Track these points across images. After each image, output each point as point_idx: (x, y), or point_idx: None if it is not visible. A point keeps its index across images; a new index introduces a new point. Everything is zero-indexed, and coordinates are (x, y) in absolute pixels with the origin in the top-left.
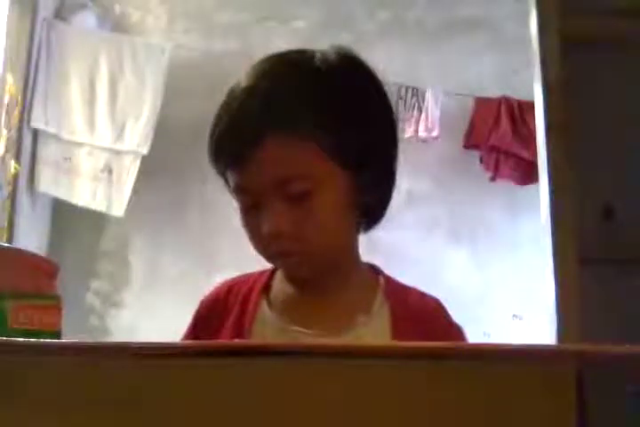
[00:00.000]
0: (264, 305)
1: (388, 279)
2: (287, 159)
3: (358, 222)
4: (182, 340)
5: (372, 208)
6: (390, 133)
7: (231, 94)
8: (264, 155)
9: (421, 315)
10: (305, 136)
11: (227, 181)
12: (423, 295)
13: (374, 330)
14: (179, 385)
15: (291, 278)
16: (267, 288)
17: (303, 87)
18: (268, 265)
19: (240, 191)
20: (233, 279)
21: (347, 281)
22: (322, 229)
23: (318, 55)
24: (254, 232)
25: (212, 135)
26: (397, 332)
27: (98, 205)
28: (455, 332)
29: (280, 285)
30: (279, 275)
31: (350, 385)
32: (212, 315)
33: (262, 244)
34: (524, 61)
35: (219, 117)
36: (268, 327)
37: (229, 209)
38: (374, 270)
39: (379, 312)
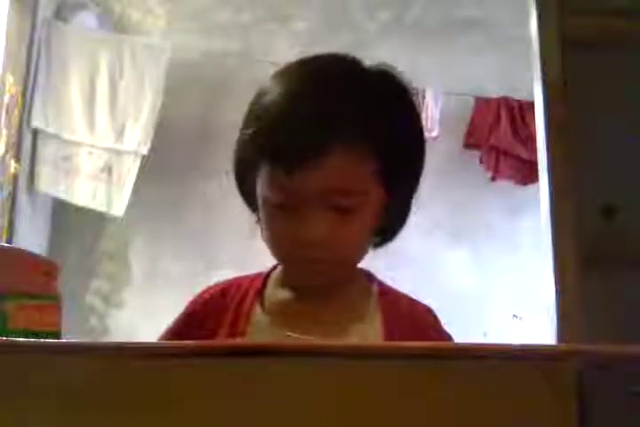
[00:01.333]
0: (258, 310)
1: (381, 287)
2: (349, 173)
3: (375, 239)
4: (166, 335)
5: (393, 227)
6: (424, 161)
7: (282, 92)
8: (329, 163)
9: (413, 324)
10: (369, 154)
11: (242, 178)
12: (415, 303)
13: (366, 338)
14: (179, 385)
15: (290, 283)
16: (261, 292)
17: (369, 104)
18: (267, 265)
19: (280, 190)
20: (227, 281)
21: (342, 289)
22: (352, 244)
23: (370, 72)
24: (283, 233)
25: (260, 130)
26: (389, 339)
27: (98, 204)
28: (447, 339)
29: (274, 289)
30: (273, 279)
31: (350, 385)
32: (205, 316)
33: (288, 246)
34: (524, 61)
35: (269, 114)
36: (261, 332)
37: (230, 209)
38: (368, 277)
39: (371, 319)
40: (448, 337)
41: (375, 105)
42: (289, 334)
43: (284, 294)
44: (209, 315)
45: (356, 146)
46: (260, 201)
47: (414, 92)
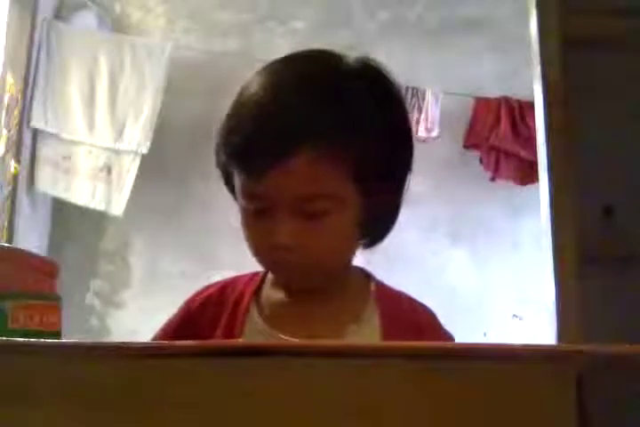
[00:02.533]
0: (254, 311)
1: (379, 285)
2: (317, 177)
3: (361, 239)
4: (161, 334)
5: (379, 229)
6: (409, 162)
7: (253, 96)
8: (295, 169)
9: (412, 323)
10: (337, 156)
11: (227, 177)
12: (414, 302)
13: (364, 338)
14: (178, 385)
15: (283, 286)
16: (257, 293)
17: (338, 107)
18: None
19: (252, 197)
20: (223, 281)
21: (338, 288)
22: (330, 248)
23: (349, 68)
24: (257, 238)
25: (230, 135)
26: (387, 339)
27: (97, 204)
28: (446, 338)
29: (270, 290)
30: (270, 279)
31: (350, 385)
32: (201, 316)
33: (266, 251)
34: (524, 61)
35: (240, 119)
36: (256, 334)
37: (229, 209)
38: (365, 275)
39: (369, 320)
40: (448, 336)
41: (346, 105)
42: (283, 337)
43: (280, 294)
44: (205, 316)
45: (324, 148)
46: (238, 205)
47: (399, 89)
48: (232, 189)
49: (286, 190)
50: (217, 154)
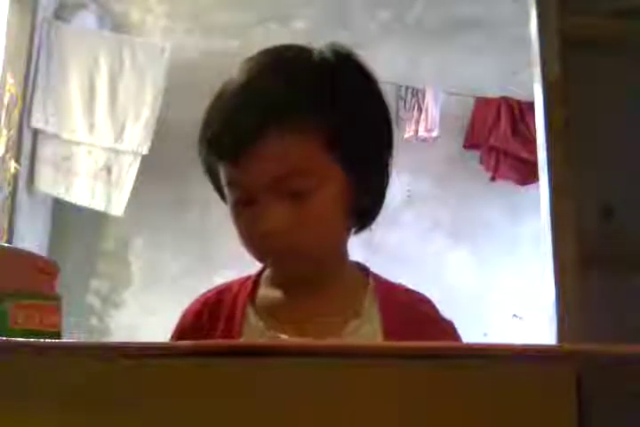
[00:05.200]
0: (251, 313)
1: (376, 279)
2: (288, 155)
3: (350, 224)
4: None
5: (365, 210)
6: (387, 133)
7: (226, 89)
8: (264, 149)
9: (412, 313)
10: (306, 131)
11: (213, 177)
12: (411, 292)
13: (365, 333)
14: (178, 385)
15: (279, 280)
16: (253, 295)
17: (303, 83)
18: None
19: (234, 186)
20: (219, 287)
21: (334, 284)
22: (317, 228)
23: (315, 52)
24: (246, 229)
25: (206, 128)
26: (389, 332)
27: (96, 204)
28: (447, 327)
29: (266, 290)
30: (264, 279)
31: (350, 385)
32: (201, 324)
33: (254, 241)
34: (524, 61)
35: (213, 112)
36: (256, 336)
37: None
38: (362, 269)
39: (369, 314)
40: (449, 324)
41: (310, 84)
42: (282, 337)
43: (276, 293)
44: (202, 324)
45: (288, 125)
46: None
47: (369, 69)
48: (222, 195)
49: (262, 173)
50: (200, 154)
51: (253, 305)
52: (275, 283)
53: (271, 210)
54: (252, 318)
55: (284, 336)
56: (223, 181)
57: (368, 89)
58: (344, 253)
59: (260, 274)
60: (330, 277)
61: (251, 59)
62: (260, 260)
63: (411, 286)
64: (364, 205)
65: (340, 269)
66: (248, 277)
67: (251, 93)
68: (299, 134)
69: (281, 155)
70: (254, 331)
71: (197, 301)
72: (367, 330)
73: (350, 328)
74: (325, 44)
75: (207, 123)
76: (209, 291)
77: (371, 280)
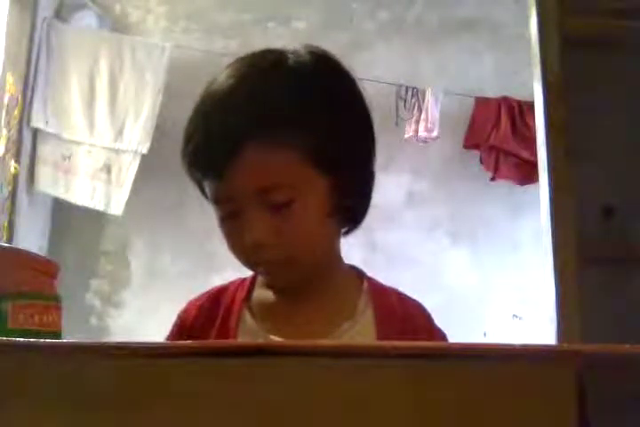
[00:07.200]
0: (246, 315)
1: (371, 283)
2: (267, 168)
3: (340, 226)
4: None
5: (353, 211)
6: (368, 133)
7: (205, 99)
8: (244, 164)
9: (405, 320)
10: (284, 143)
11: (202, 189)
12: (406, 299)
13: (358, 334)
14: (178, 385)
15: (272, 286)
16: (248, 296)
17: (279, 92)
18: None
19: (219, 201)
20: (215, 288)
21: (329, 286)
22: (304, 237)
23: (292, 57)
24: (235, 241)
25: (187, 144)
26: (382, 336)
27: (96, 203)
28: (439, 337)
29: (261, 292)
30: (260, 281)
31: (350, 385)
32: (197, 325)
33: (244, 253)
34: (524, 61)
35: (194, 124)
36: (250, 338)
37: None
38: (357, 272)
39: (362, 317)
40: (440, 333)
41: (291, 90)
42: (278, 339)
43: (271, 295)
44: (198, 325)
45: (266, 138)
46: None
47: (349, 73)
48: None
49: (245, 187)
50: (183, 166)
51: (249, 307)
52: (269, 287)
53: (255, 222)
54: (248, 319)
55: (277, 338)
56: (209, 196)
57: (347, 91)
58: (336, 255)
59: (256, 276)
60: (324, 280)
61: (228, 67)
62: (252, 270)
63: (409, 288)
64: (350, 207)
65: (333, 271)
66: (244, 279)
67: (226, 107)
68: (277, 147)
69: (260, 169)
70: (249, 332)
71: (193, 301)
72: (360, 333)
73: (343, 330)
74: (302, 47)
75: (187, 137)
76: (205, 292)
77: (365, 283)
